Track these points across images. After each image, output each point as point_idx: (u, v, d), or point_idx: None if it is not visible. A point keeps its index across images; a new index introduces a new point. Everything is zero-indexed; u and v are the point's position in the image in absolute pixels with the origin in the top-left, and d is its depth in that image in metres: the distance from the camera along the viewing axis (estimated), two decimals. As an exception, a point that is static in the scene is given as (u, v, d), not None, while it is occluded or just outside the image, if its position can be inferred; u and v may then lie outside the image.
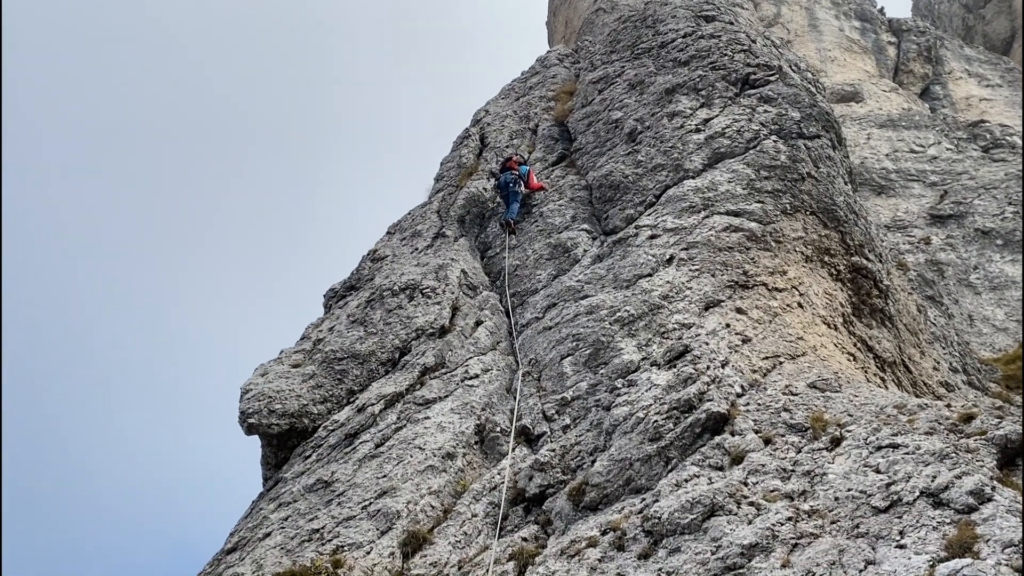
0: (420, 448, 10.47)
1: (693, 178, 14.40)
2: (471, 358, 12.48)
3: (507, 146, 19.14)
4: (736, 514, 7.55)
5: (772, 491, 7.82)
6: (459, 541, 9.27)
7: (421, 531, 9.29)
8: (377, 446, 10.79)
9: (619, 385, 10.75)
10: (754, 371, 10.59)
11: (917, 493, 6.97)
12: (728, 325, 11.48)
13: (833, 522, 7.08)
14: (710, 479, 8.33)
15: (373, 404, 11.59)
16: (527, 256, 14.98)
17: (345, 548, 9.00)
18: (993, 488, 6.75)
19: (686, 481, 8.39)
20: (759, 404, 9.63)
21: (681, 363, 10.60)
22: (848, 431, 8.46)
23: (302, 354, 13.10)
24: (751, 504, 7.65)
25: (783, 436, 8.82)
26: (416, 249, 16.26)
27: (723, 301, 12.02)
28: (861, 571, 6.29)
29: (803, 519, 7.24)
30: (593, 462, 9.69)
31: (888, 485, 7.23)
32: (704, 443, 9.06)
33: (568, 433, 10.56)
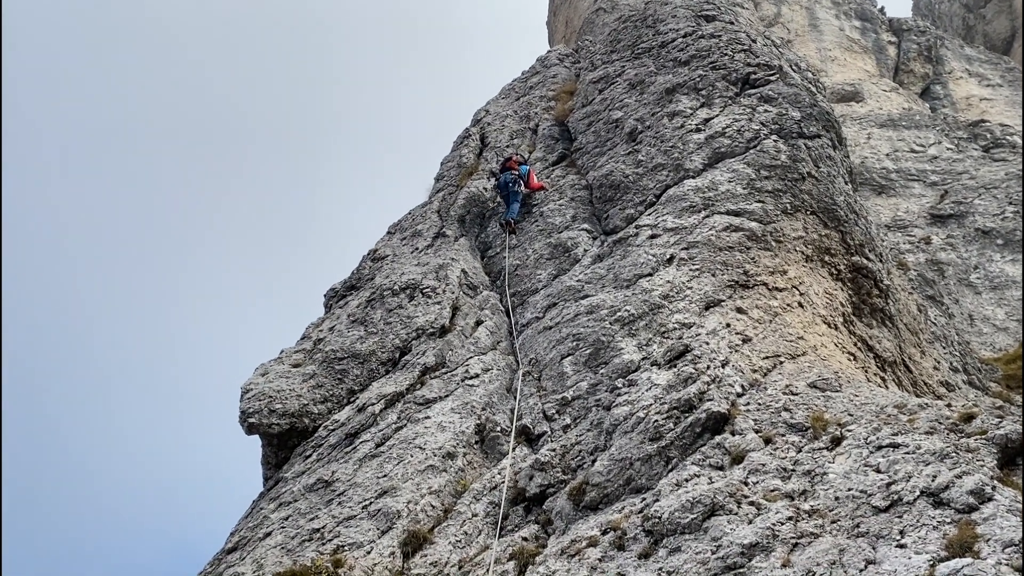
0: (420, 448, 10.48)
1: (693, 178, 14.41)
2: (471, 358, 12.48)
3: (507, 146, 19.14)
4: (736, 514, 7.55)
5: (772, 491, 7.82)
6: (459, 541, 9.28)
7: (421, 531, 9.29)
8: (377, 446, 10.79)
9: (619, 385, 10.75)
10: (754, 371, 10.59)
11: (917, 493, 6.97)
12: (728, 325, 11.48)
13: (833, 522, 7.08)
14: (710, 479, 8.33)
15: (373, 404, 11.60)
16: (527, 256, 14.99)
17: (346, 548, 9.00)
18: (993, 488, 6.75)
19: (686, 481, 8.39)
20: (759, 404, 9.63)
21: (681, 363, 10.60)
22: (848, 431, 8.46)
23: (302, 354, 13.11)
24: (751, 504, 7.65)
25: (783, 436, 8.82)
26: (416, 249, 16.26)
27: (723, 301, 12.02)
28: (861, 571, 6.29)
29: (803, 519, 7.24)
30: (593, 462, 9.70)
31: (888, 485, 7.23)
32: (704, 443, 9.06)
33: (568, 433, 10.56)
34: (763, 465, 8.29)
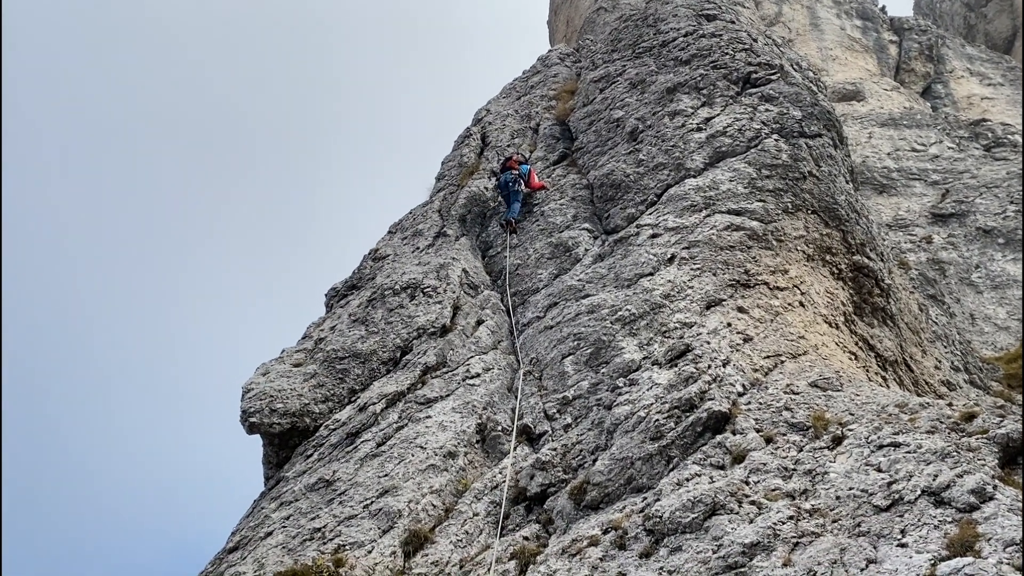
0: (421, 447, 10.48)
1: (694, 177, 14.40)
2: (472, 357, 12.48)
3: (508, 145, 19.14)
4: (737, 513, 7.55)
5: (773, 490, 7.82)
6: (460, 540, 9.28)
7: (423, 530, 9.29)
8: (378, 445, 10.80)
9: (620, 384, 10.75)
10: (755, 370, 10.59)
11: (918, 492, 6.97)
12: (729, 324, 11.48)
13: (834, 521, 7.08)
14: (711, 478, 8.33)
15: (374, 403, 11.60)
16: (528, 255, 14.99)
17: (347, 547, 9.01)
18: (994, 487, 6.75)
19: (687, 480, 8.39)
20: (760, 403, 9.63)
21: (682, 362, 10.60)
22: (849, 430, 8.46)
23: (303, 353, 13.11)
24: (752, 503, 7.65)
25: (784, 435, 8.82)
26: (417, 248, 16.27)
27: (724, 300, 12.02)
28: (863, 570, 6.29)
29: (804, 518, 7.24)
30: (594, 461, 9.70)
31: (889, 484, 7.23)
32: (705, 442, 9.07)
33: (569, 432, 10.56)
34: (764, 464, 8.29)
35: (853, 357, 12.65)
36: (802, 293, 12.81)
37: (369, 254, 16.88)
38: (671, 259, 12.82)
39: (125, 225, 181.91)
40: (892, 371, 13.69)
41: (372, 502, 9.69)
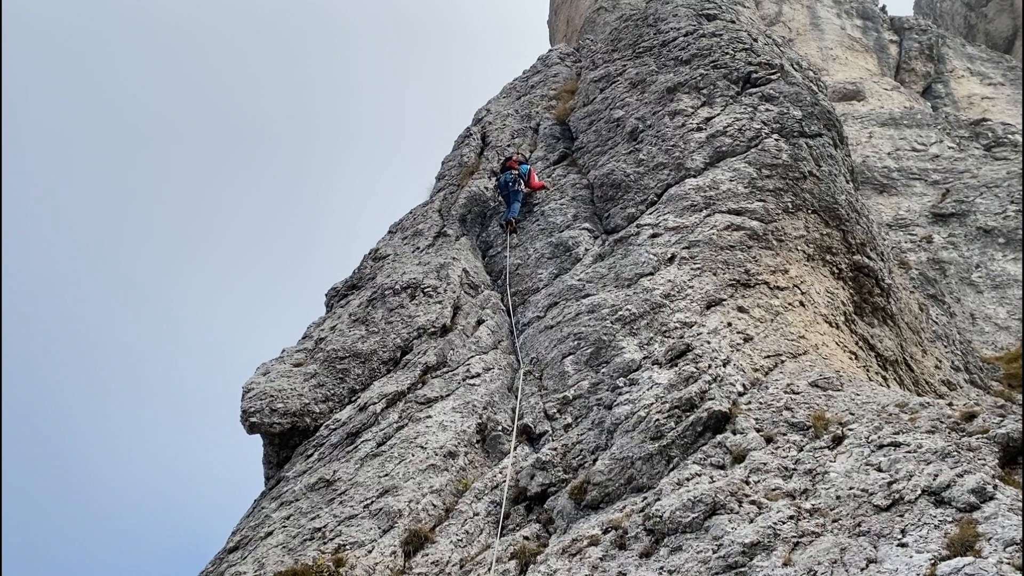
0: (422, 447, 10.48)
1: (695, 177, 14.40)
2: (472, 357, 12.48)
3: (508, 145, 19.14)
4: (738, 513, 7.55)
5: (774, 490, 7.82)
6: (461, 540, 9.28)
7: (423, 530, 9.29)
8: (379, 445, 10.80)
9: (621, 384, 10.75)
10: (756, 370, 10.60)
11: (919, 491, 6.97)
12: (730, 324, 11.48)
13: (835, 520, 7.08)
14: (712, 478, 8.33)
15: (375, 403, 11.60)
16: (528, 255, 14.99)
17: (347, 547, 9.01)
18: (995, 487, 6.75)
19: (688, 480, 8.40)
20: (761, 403, 9.63)
21: (683, 362, 10.60)
22: (850, 430, 8.46)
23: (304, 353, 13.11)
24: (753, 503, 7.65)
25: (785, 435, 8.82)
26: (418, 248, 16.26)
27: (725, 300, 12.02)
28: (863, 569, 6.29)
29: (805, 518, 7.24)
30: (595, 461, 9.70)
31: (890, 483, 7.23)
32: (706, 442, 9.07)
33: (570, 432, 10.56)
34: (764, 464, 8.29)
35: (853, 357, 12.65)
36: (802, 293, 12.81)
37: (369, 254, 16.88)
38: (671, 259, 12.82)
39: (125, 224, 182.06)
40: (892, 371, 13.69)
41: (372, 502, 9.69)
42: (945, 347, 16.83)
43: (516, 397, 11.65)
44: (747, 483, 8.04)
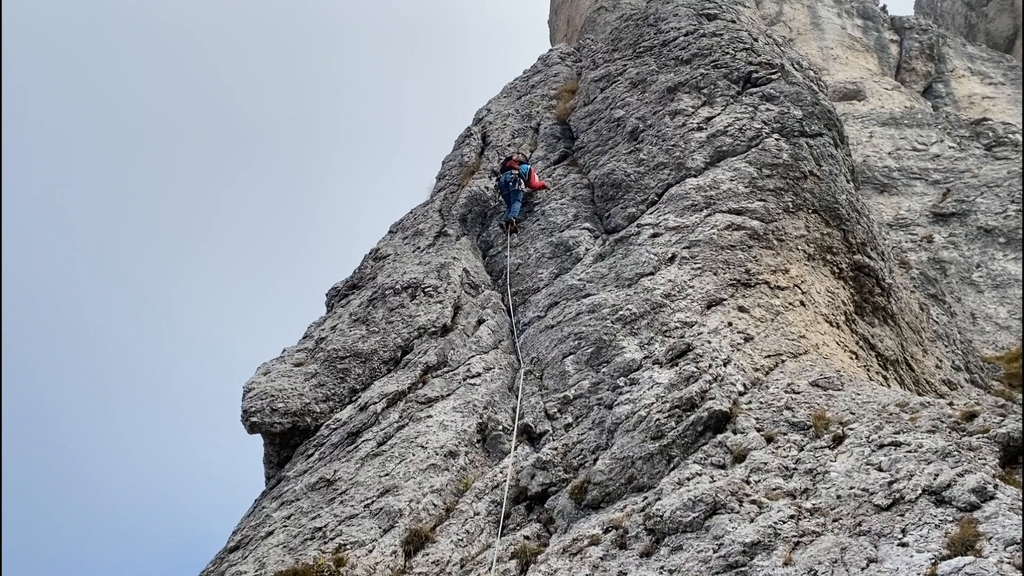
0: (422, 447, 10.49)
1: (695, 176, 14.40)
2: (473, 357, 12.49)
3: (509, 145, 19.14)
4: (738, 512, 7.55)
5: (774, 489, 7.82)
6: (461, 539, 9.29)
7: (423, 529, 9.30)
8: (379, 444, 10.80)
9: (621, 383, 10.75)
10: (756, 369, 10.60)
11: (919, 491, 6.97)
12: (730, 323, 11.48)
13: (835, 520, 7.08)
14: (712, 477, 8.33)
15: (375, 403, 11.61)
16: (529, 255, 14.99)
17: (348, 546, 9.01)
18: (995, 486, 6.74)
19: (688, 479, 8.40)
20: (761, 402, 9.63)
21: (683, 361, 10.60)
22: (850, 429, 8.46)
23: (304, 353, 13.12)
24: (753, 502, 7.65)
25: (785, 434, 8.82)
26: (418, 248, 16.27)
27: (725, 299, 12.02)
28: (863, 569, 6.29)
29: (805, 517, 7.24)
30: (595, 460, 9.70)
31: (890, 483, 7.23)
32: (706, 441, 9.07)
33: (570, 431, 10.56)
34: (765, 464, 8.29)
35: (854, 356, 12.65)
36: (803, 292, 12.81)
37: (370, 254, 16.88)
38: (672, 258, 12.82)
39: (126, 224, 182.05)
40: (893, 370, 13.69)
41: (373, 501, 9.69)
42: (946, 347, 16.83)
43: (517, 397, 11.65)
44: (748, 483, 8.04)
